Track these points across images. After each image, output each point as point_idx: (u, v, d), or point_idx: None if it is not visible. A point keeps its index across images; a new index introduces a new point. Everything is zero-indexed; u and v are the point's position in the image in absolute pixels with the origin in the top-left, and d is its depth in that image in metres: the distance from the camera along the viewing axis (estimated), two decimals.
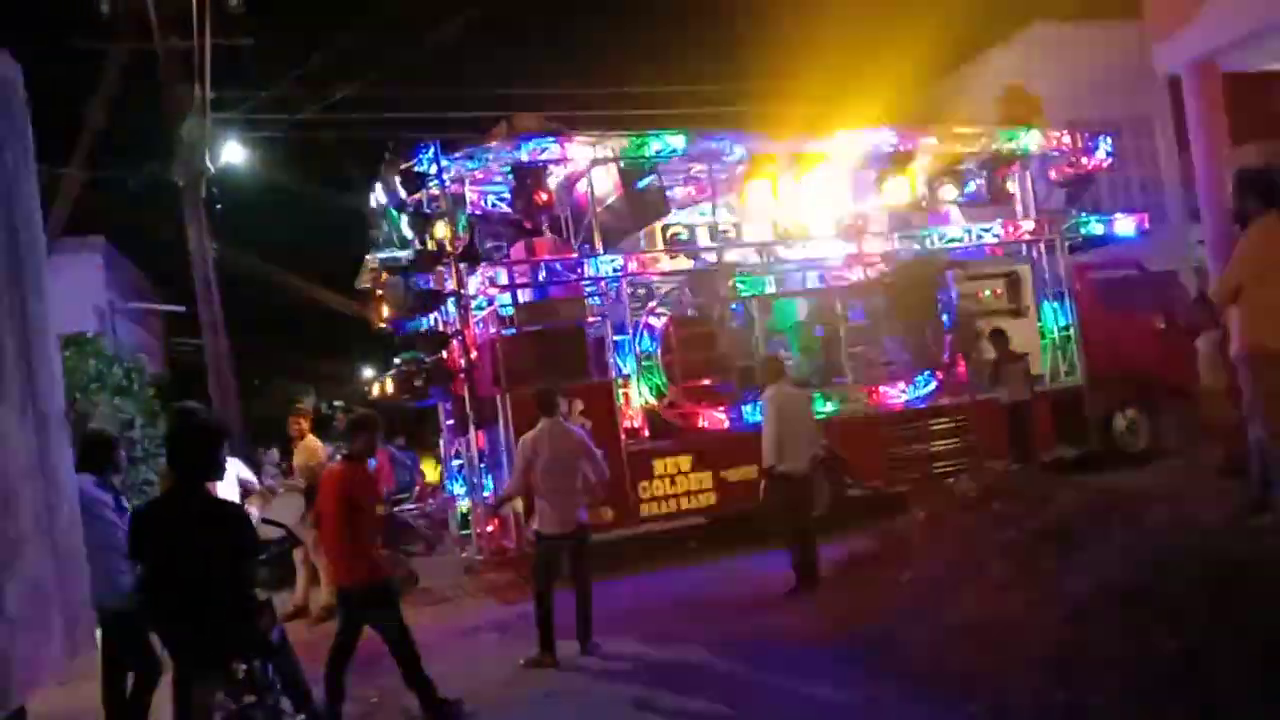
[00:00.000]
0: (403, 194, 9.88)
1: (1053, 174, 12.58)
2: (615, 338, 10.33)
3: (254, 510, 8.22)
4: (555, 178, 10.54)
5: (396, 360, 10.58)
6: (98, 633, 4.50)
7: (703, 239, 11.52)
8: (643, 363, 10.34)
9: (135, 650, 5.27)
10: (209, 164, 14.43)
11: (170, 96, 14.23)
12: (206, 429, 4.53)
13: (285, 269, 19.40)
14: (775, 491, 8.03)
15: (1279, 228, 5.31)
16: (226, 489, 9.39)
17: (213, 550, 4.15)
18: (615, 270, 10.29)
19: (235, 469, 9.88)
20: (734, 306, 11.13)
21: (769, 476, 8.01)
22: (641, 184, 10.31)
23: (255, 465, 11.72)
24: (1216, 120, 9.32)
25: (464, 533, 10.95)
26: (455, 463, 11.49)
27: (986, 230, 11.82)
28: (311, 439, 9.86)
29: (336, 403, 27.52)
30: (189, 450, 4.31)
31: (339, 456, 6.51)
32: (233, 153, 15.31)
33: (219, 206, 15.25)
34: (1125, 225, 12.62)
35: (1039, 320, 11.94)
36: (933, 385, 11.24)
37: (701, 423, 10.42)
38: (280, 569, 9.75)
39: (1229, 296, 5.45)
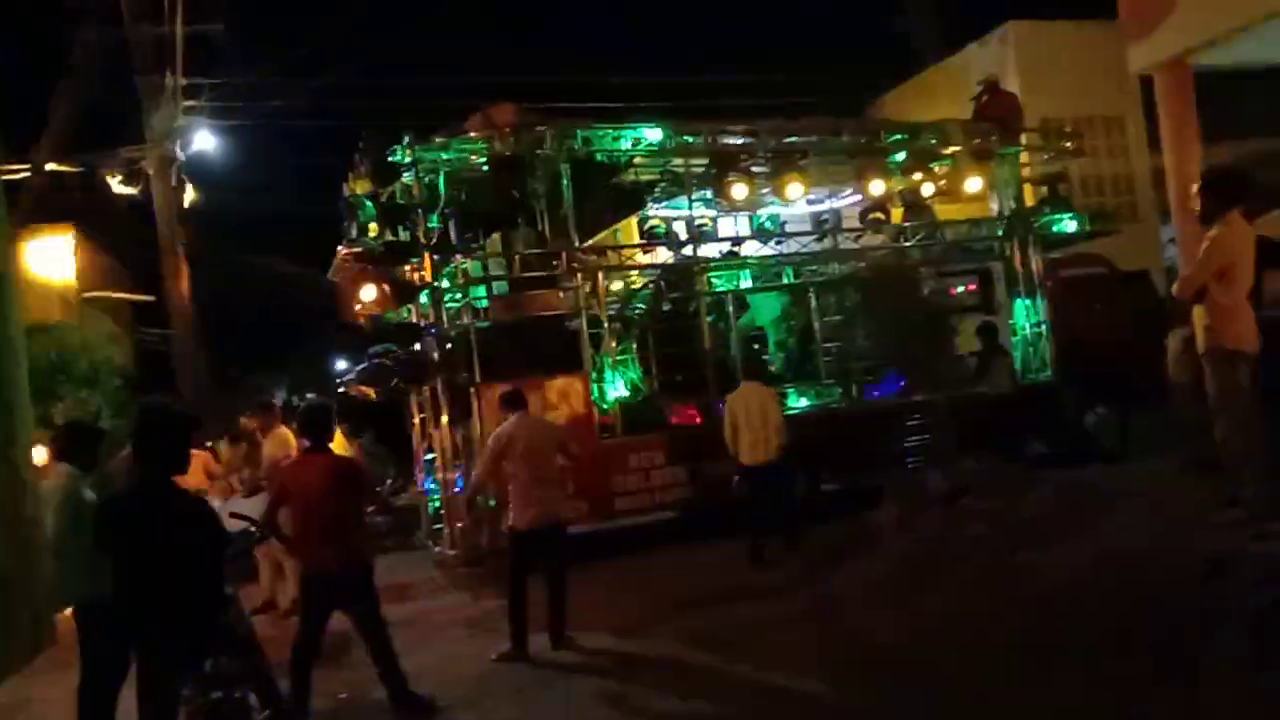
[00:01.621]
0: (377, 184, 9.77)
1: (1026, 171, 12.66)
2: (591, 331, 10.29)
3: (217, 502, 8.12)
4: (531, 169, 10.47)
5: (369, 353, 10.48)
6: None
7: (679, 233, 11.49)
8: (618, 356, 10.30)
9: (106, 644, 5.18)
10: (179, 151, 14.23)
11: (141, 84, 14.02)
12: (174, 422, 4.45)
13: (257, 257, 19.19)
14: (741, 484, 8.81)
15: (1241, 228, 5.36)
16: (193, 482, 9.30)
17: (181, 544, 4.08)
18: (591, 264, 10.23)
19: (203, 461, 9.78)
20: (709, 301, 11.12)
21: (737, 470, 8.71)
22: (617, 177, 10.27)
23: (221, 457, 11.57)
24: (1188, 120, 9.41)
25: (436, 527, 10.87)
26: (428, 457, 11.40)
27: (960, 227, 11.87)
28: (283, 430, 9.71)
29: (309, 394, 27.29)
30: (157, 443, 4.23)
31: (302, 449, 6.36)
32: (204, 140, 15.11)
33: (190, 195, 15.03)
34: (1097, 223, 12.72)
35: (1011, 317, 12.02)
36: (907, 381, 11.28)
37: (676, 417, 10.39)
38: (246, 562, 9.65)
39: (1192, 295, 5.50)
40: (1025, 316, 12.00)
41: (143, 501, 4.21)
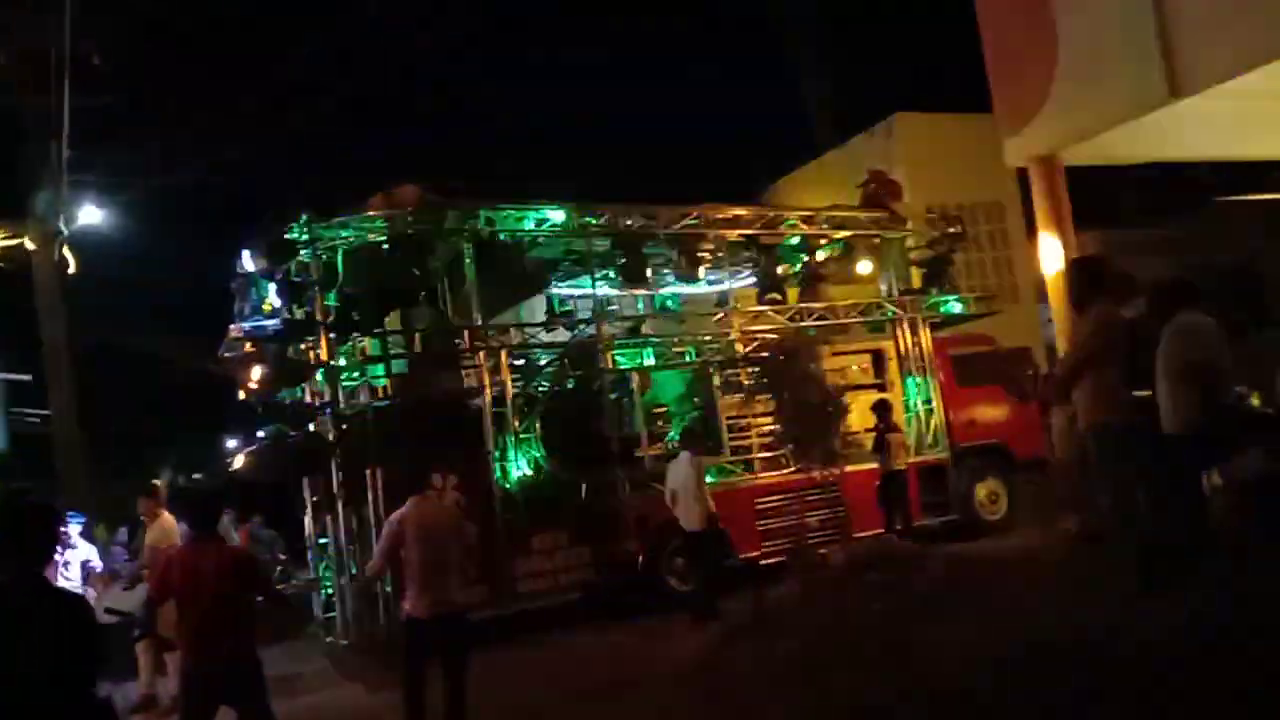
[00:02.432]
0: (273, 262, 9.59)
1: (913, 256, 13.24)
2: (494, 410, 10.19)
3: (93, 594, 7.67)
4: (433, 249, 10.45)
5: (260, 434, 10.14)
6: None
7: (582, 312, 11.59)
8: (521, 435, 10.22)
9: None
10: (63, 226, 13.73)
11: (25, 154, 13.55)
12: (42, 512, 4.19)
13: (143, 336, 18.49)
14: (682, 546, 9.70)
15: (1111, 313, 5.70)
16: (74, 573, 8.78)
17: (50, 645, 3.81)
18: (494, 342, 10.19)
19: (84, 553, 9.24)
20: (612, 379, 11.17)
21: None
22: (521, 256, 10.33)
23: (103, 546, 10.96)
24: (1059, 209, 9.99)
25: (329, 615, 10.45)
26: (321, 542, 11.01)
27: (853, 308, 12.29)
28: (167, 517, 9.26)
29: (195, 475, 26.16)
30: (23, 535, 3.98)
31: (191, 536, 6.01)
32: (90, 215, 14.59)
33: (72, 271, 14.44)
34: (981, 305, 13.34)
35: (903, 394, 12.41)
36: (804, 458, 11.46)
37: (580, 496, 10.32)
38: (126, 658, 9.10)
39: (1071, 377, 5.80)
40: (916, 393, 12.41)
41: (5, 598, 3.93)
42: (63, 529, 9.71)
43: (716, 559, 9.79)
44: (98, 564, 9.28)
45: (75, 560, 8.91)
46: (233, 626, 5.18)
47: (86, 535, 10.26)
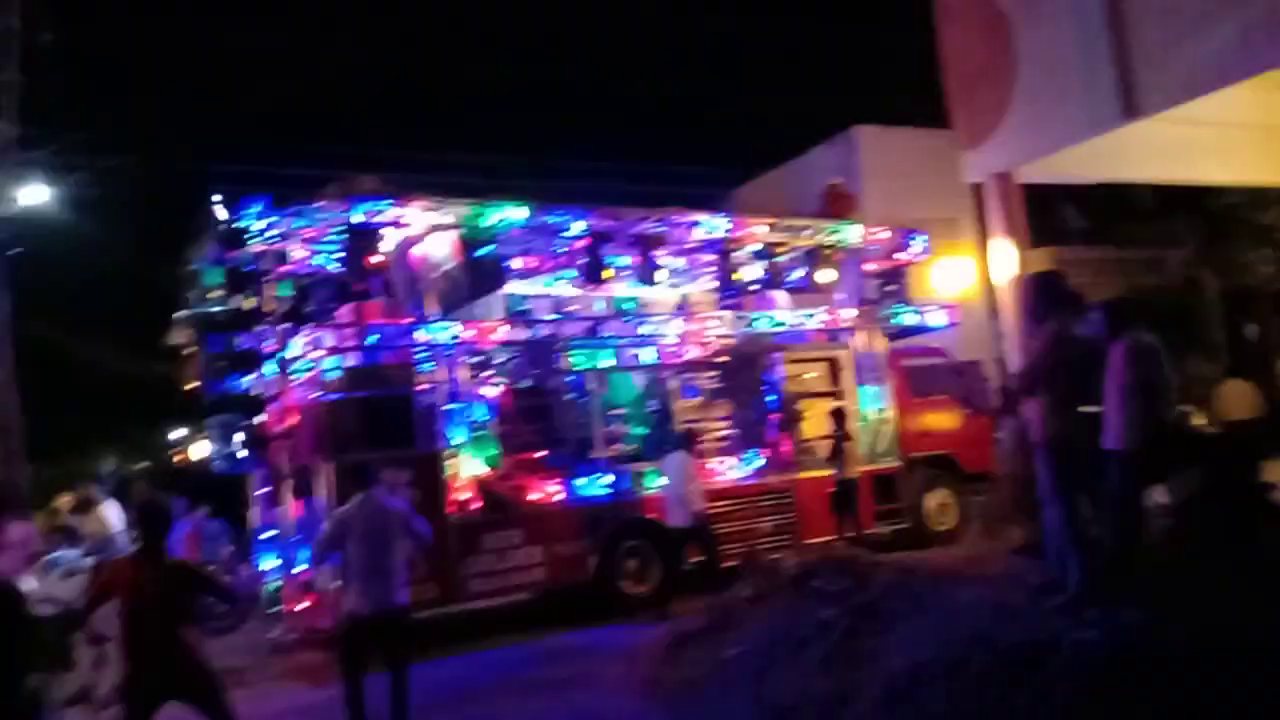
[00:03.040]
0: (224, 249, 9.42)
1: (870, 266, 13.39)
2: (447, 407, 10.10)
3: (33, 583, 7.47)
4: (390, 241, 10.33)
5: (208, 423, 9.96)
6: None
7: (541, 311, 11.53)
8: (475, 433, 10.14)
9: None
10: (7, 205, 13.37)
11: None
12: None
13: (89, 320, 18.06)
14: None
15: (1065, 329, 5.82)
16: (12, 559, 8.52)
17: None
18: (450, 338, 10.11)
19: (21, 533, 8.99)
20: (570, 379, 11.13)
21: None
22: (480, 253, 10.26)
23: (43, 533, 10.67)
24: (1014, 226, 10.15)
25: (274, 609, 10.28)
26: (268, 534, 10.82)
27: (810, 316, 12.40)
28: (104, 508, 9.08)
29: (143, 463, 25.63)
30: None
31: (135, 548, 5.83)
32: (35, 195, 14.20)
33: (15, 251, 14.05)
34: (935, 317, 13.53)
35: (857, 403, 12.54)
36: (761, 462, 11.54)
37: (534, 496, 10.27)
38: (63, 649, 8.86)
39: (1025, 390, 5.90)
40: (870, 402, 12.54)
41: None
42: None
43: (706, 555, 10.13)
44: (38, 546, 9.03)
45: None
46: (174, 634, 5.10)
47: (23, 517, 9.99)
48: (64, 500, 9.43)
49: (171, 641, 5.07)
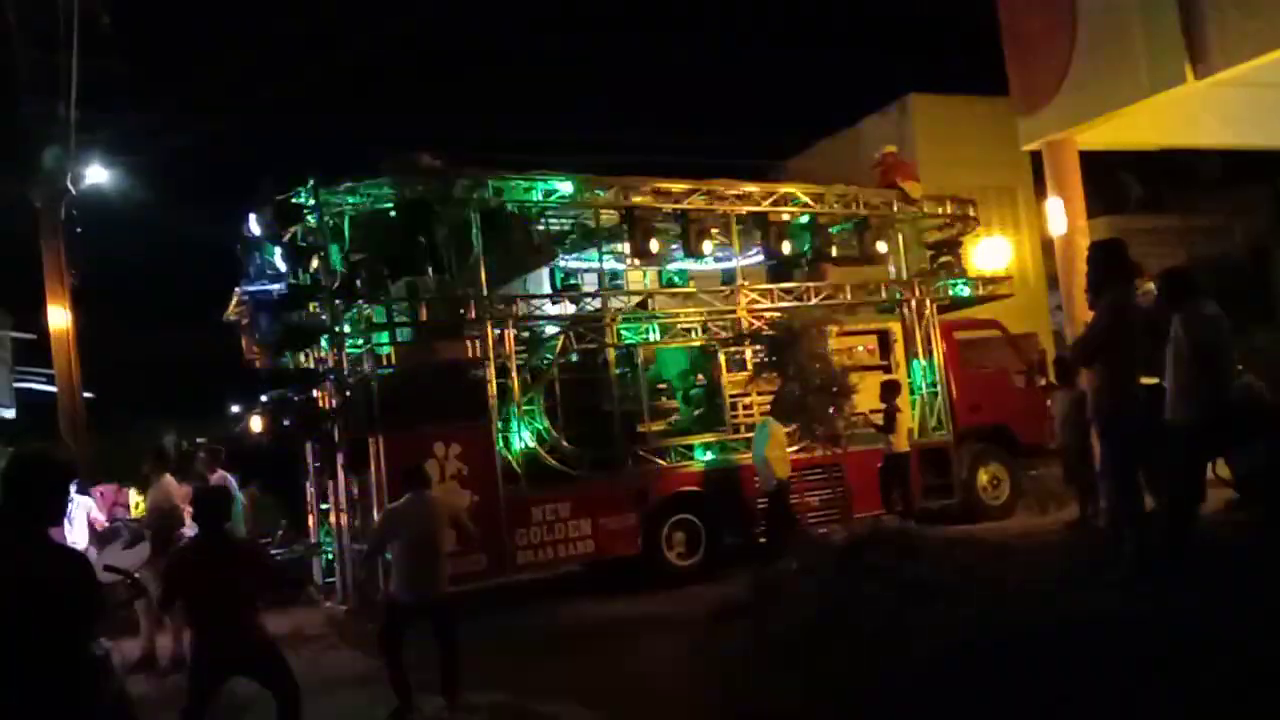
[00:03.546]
0: (278, 226, 9.56)
1: (924, 237, 13.15)
2: (497, 381, 10.18)
3: (93, 553, 7.70)
4: (440, 216, 10.40)
5: (264, 398, 10.15)
6: None
7: (588, 284, 11.54)
8: (524, 407, 10.21)
9: None
10: (70, 186, 13.69)
11: (32, 112, 13.47)
12: (49, 468, 4.17)
13: (149, 298, 18.49)
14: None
15: (1125, 300, 5.66)
16: (78, 530, 8.82)
17: (48, 604, 3.80)
18: (499, 313, 10.16)
19: (86, 508, 9.29)
20: (617, 353, 11.15)
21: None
22: (529, 227, 10.28)
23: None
24: (1072, 193, 9.91)
25: (329, 580, 10.50)
26: (322, 507, 11.04)
27: (861, 288, 12.23)
28: (168, 479, 9.31)
29: (199, 439, 26.25)
30: (29, 492, 3.96)
31: (197, 534, 5.99)
32: (97, 175, 14.53)
33: (79, 230, 14.40)
34: (989, 288, 13.26)
35: (908, 377, 12.37)
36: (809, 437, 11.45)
37: (581, 469, 10.32)
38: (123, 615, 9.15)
39: (1085, 361, 5.76)
40: (921, 376, 12.37)
41: (7, 556, 3.93)
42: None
43: (780, 518, 10.26)
44: (99, 516, 9.34)
45: (78, 516, 8.96)
46: (240, 613, 5.26)
47: (83, 490, 10.31)
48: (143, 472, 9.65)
49: (235, 621, 5.23)
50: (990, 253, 13.60)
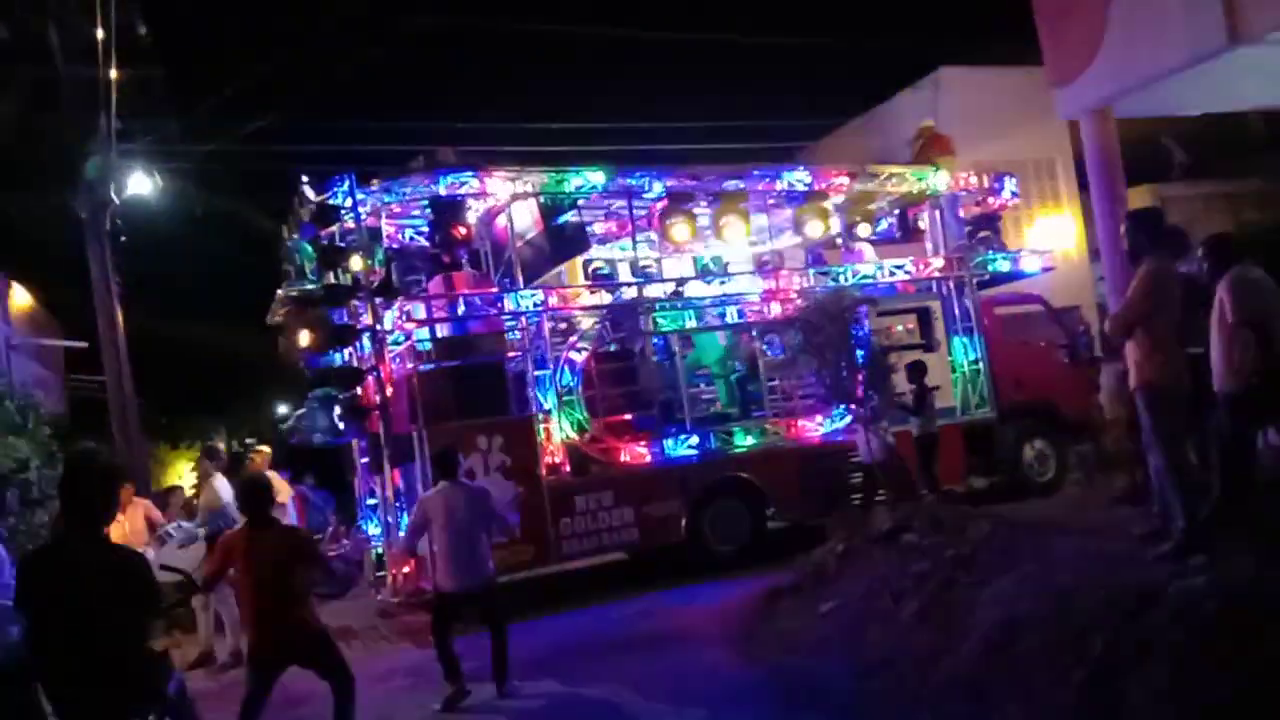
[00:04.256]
0: (316, 227, 9.70)
1: (961, 212, 12.99)
2: (535, 373, 10.26)
3: (151, 554, 7.90)
4: (474, 212, 10.50)
5: (309, 397, 10.32)
6: None
7: (623, 274, 11.56)
8: (563, 398, 10.28)
9: (21, 709, 4.96)
10: (114, 196, 13.98)
11: (74, 125, 13.77)
12: (103, 470, 4.31)
13: (195, 302, 18.84)
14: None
15: (1164, 268, 5.56)
16: (135, 530, 9.07)
17: (108, 600, 3.93)
18: (535, 305, 10.23)
19: (144, 509, 9.55)
20: (654, 341, 11.17)
21: None
22: (561, 219, 10.32)
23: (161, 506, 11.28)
24: (1112, 163, 9.74)
25: (379, 574, 10.67)
26: (370, 502, 11.22)
27: (899, 267, 12.12)
28: (219, 479, 9.53)
29: (249, 440, 26.75)
30: (84, 493, 4.10)
31: (243, 522, 6.10)
32: (139, 184, 14.82)
33: (124, 239, 14.71)
34: (1030, 262, 13.08)
35: (949, 354, 12.25)
36: (848, 418, 11.39)
37: (623, 458, 10.38)
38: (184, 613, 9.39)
39: (1123, 332, 5.67)
40: (963, 354, 12.24)
41: (67, 554, 4.06)
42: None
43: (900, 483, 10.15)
44: (156, 515, 9.60)
45: (135, 516, 9.22)
46: (292, 602, 5.36)
47: (142, 492, 10.61)
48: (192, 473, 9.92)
49: (288, 608, 5.34)
50: (1051, 232, 13.30)
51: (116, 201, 14.08)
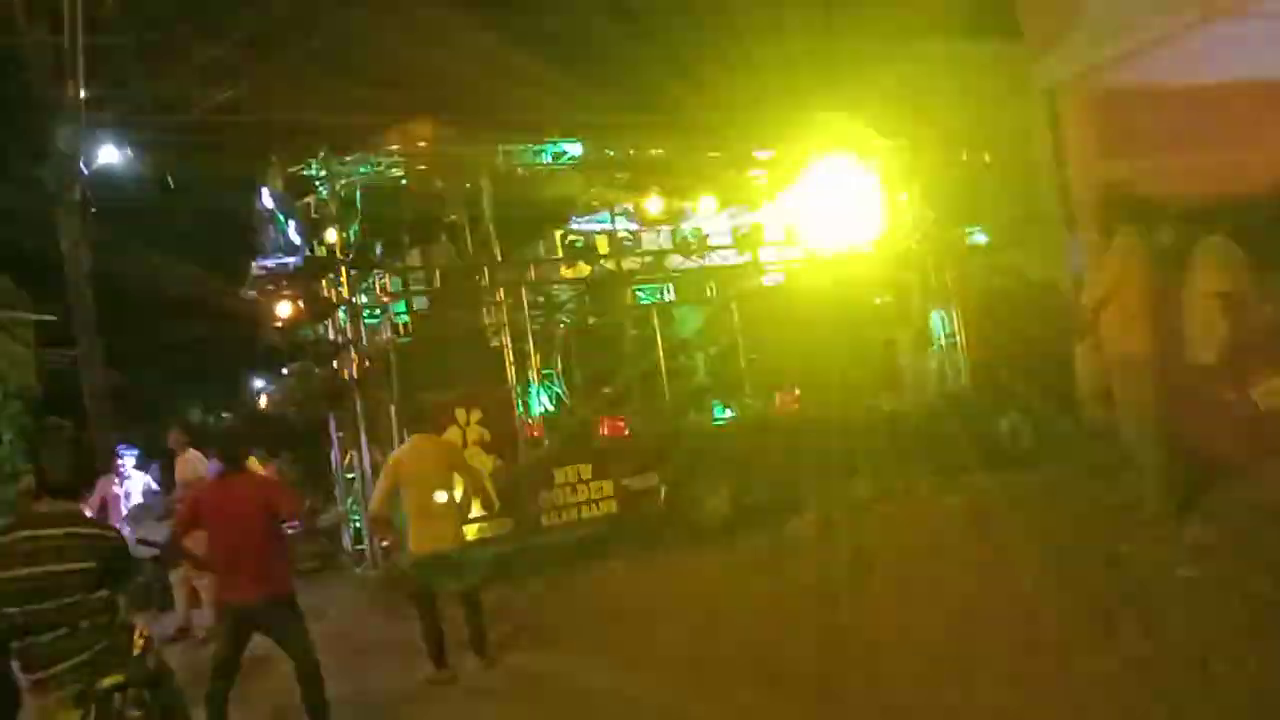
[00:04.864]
0: (290, 198, 9.57)
1: (936, 185, 12.98)
2: (514, 346, 10.21)
3: (127, 529, 7.85)
4: (450, 183, 10.37)
5: (285, 370, 10.23)
6: None
7: (601, 247, 11.50)
8: (541, 371, 10.24)
9: None
10: (83, 167, 13.73)
11: (39, 94, 13.48)
12: (76, 444, 4.26)
13: (167, 274, 18.56)
14: None
15: (1137, 241, 5.59)
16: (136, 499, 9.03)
17: (82, 573, 3.90)
18: (514, 277, 10.16)
19: (140, 483, 9.50)
20: (633, 314, 11.13)
21: None
22: (539, 190, 10.24)
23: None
24: (1089, 135, 9.75)
25: (357, 548, 10.64)
26: (347, 476, 11.16)
27: (876, 240, 12.12)
28: (193, 452, 9.45)
29: (224, 414, 26.55)
30: (58, 466, 4.05)
31: (217, 470, 6.05)
32: (109, 155, 14.55)
33: (94, 211, 14.47)
34: (1005, 235, 13.10)
35: (926, 327, 12.28)
36: (825, 393, 11.41)
37: (601, 430, 10.36)
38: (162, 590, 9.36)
39: (1097, 306, 5.71)
40: (940, 327, 12.28)
41: (40, 527, 4.01)
42: (119, 461, 10.03)
43: None
44: (155, 488, 9.57)
45: (135, 490, 9.17)
46: (265, 557, 5.30)
47: (141, 467, 10.53)
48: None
49: (261, 556, 5.27)
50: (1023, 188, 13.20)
51: (85, 172, 13.84)
